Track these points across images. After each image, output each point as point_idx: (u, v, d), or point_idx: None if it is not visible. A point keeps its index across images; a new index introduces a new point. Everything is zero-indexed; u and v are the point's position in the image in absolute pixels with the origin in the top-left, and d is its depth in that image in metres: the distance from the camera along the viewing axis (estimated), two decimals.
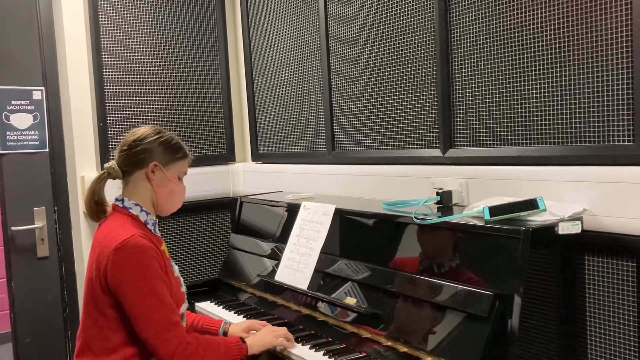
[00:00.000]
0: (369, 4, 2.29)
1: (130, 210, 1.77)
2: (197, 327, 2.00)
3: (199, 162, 3.03)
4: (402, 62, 2.17)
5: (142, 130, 1.82)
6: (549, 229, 1.51)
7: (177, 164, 1.83)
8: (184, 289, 1.85)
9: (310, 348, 1.80)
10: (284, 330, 1.88)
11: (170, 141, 1.82)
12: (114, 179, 1.81)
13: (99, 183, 1.81)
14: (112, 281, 1.64)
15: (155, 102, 2.97)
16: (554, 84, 1.69)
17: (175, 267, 1.86)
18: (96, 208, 1.81)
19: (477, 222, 1.61)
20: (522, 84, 1.77)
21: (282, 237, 2.31)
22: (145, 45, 2.93)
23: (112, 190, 1.84)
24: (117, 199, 1.80)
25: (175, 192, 1.84)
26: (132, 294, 1.63)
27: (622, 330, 1.55)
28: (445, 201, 1.91)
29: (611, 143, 1.56)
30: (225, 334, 1.97)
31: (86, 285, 1.73)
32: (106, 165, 1.80)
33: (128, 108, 2.89)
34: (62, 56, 2.75)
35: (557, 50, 1.67)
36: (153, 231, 1.81)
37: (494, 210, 1.59)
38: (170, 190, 1.82)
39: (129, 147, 1.78)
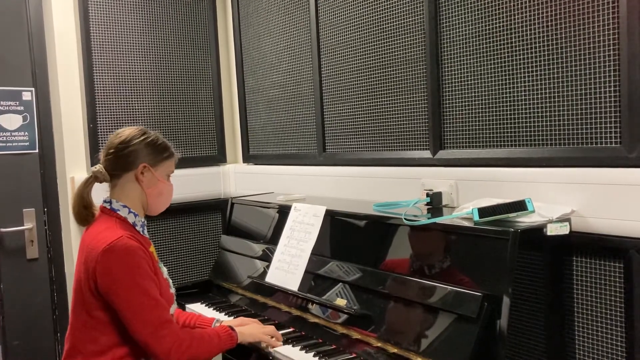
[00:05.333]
0: (360, 6, 2.30)
1: (118, 212, 1.77)
2: (189, 326, 2.01)
3: (190, 163, 3.02)
4: (393, 64, 2.18)
5: (127, 131, 1.81)
6: (537, 230, 1.52)
7: (164, 163, 1.83)
8: (172, 290, 1.85)
9: (300, 349, 1.80)
10: (271, 327, 1.90)
11: (157, 141, 1.82)
12: (101, 182, 1.80)
13: (87, 187, 1.80)
14: (102, 284, 1.64)
15: (146, 103, 2.96)
16: (543, 87, 1.70)
17: (164, 269, 1.86)
18: (85, 212, 1.79)
19: (466, 224, 1.62)
20: (511, 86, 1.78)
21: (273, 239, 2.31)
22: (136, 46, 2.92)
23: (99, 192, 1.83)
24: (105, 201, 1.80)
25: (164, 191, 1.84)
26: (124, 295, 1.63)
27: (609, 330, 1.56)
28: (435, 202, 1.92)
29: (599, 145, 1.58)
30: None
31: (74, 288, 1.73)
32: (93, 169, 1.79)
33: (118, 109, 2.88)
34: (52, 57, 2.73)
35: (545, 53, 1.68)
36: (141, 233, 1.80)
37: (483, 212, 1.60)
38: (160, 191, 1.82)
39: (116, 150, 1.77)
